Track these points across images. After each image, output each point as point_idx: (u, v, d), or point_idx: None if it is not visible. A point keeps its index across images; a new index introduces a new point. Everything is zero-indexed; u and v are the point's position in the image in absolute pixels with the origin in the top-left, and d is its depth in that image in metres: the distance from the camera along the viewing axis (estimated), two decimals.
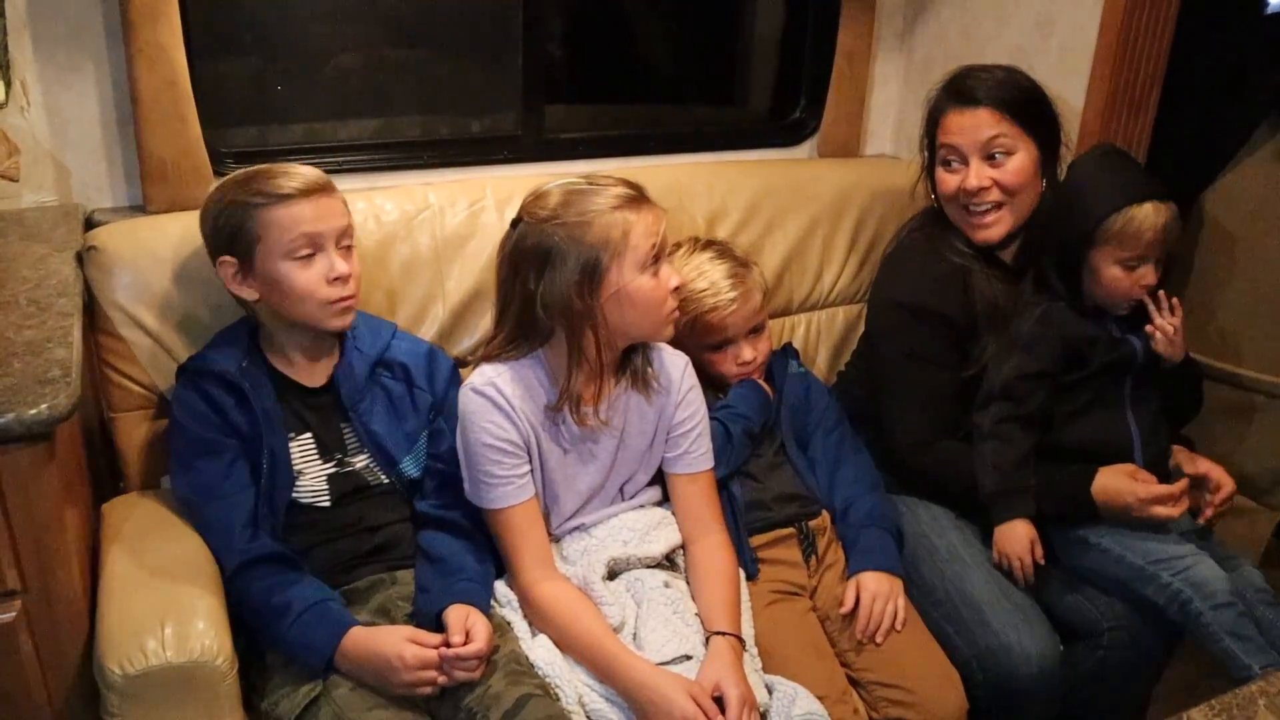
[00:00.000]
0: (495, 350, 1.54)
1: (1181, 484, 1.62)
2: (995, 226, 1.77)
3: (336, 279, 1.49)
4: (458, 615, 1.41)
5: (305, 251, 1.48)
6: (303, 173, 1.51)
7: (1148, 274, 1.64)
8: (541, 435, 1.53)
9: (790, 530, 1.71)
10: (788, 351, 1.95)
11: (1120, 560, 1.63)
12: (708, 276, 1.78)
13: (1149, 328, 1.67)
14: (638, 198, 1.49)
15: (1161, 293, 1.66)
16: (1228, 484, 1.73)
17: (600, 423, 1.54)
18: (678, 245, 1.84)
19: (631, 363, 1.58)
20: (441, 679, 1.37)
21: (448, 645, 1.37)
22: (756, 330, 1.81)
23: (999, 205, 1.76)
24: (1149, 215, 1.60)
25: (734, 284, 1.77)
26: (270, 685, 1.41)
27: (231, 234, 1.49)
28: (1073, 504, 1.65)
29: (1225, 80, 1.98)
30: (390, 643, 1.38)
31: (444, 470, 1.57)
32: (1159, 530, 1.62)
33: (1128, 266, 1.63)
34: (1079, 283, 1.68)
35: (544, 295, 1.46)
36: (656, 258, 1.49)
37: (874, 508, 1.75)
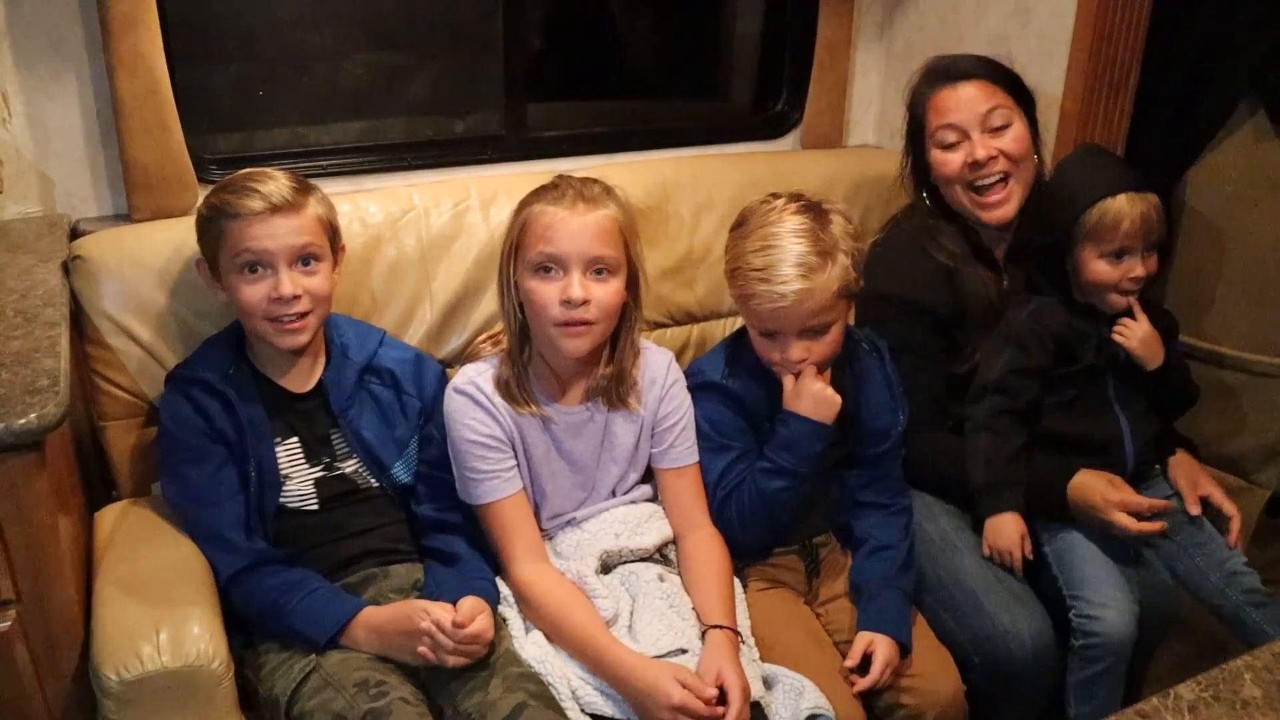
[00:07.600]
0: (481, 342, 1.56)
1: (1158, 502, 1.61)
2: (1007, 204, 1.74)
3: (278, 299, 1.47)
4: (472, 605, 1.40)
5: (250, 267, 1.47)
6: (267, 191, 1.46)
7: (1135, 266, 1.62)
8: (525, 429, 1.54)
9: (795, 547, 1.67)
10: (878, 346, 1.70)
11: (1054, 580, 1.65)
12: (773, 254, 1.48)
13: (1115, 336, 1.66)
14: (571, 201, 1.46)
15: (1132, 299, 1.66)
16: (1231, 511, 1.70)
17: (567, 423, 1.55)
18: (774, 195, 1.56)
19: (600, 372, 1.56)
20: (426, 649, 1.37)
21: (455, 625, 1.36)
22: (814, 331, 1.53)
23: (1006, 177, 1.73)
24: (1123, 206, 1.59)
25: (799, 274, 1.46)
26: (265, 672, 1.42)
27: (202, 236, 1.52)
28: (1044, 491, 1.65)
29: (1203, 61, 1.98)
30: (411, 601, 1.43)
31: (438, 476, 1.58)
32: (1120, 553, 1.63)
33: (1112, 259, 1.62)
34: (1067, 282, 1.68)
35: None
36: (549, 266, 1.46)
37: (905, 564, 1.63)
